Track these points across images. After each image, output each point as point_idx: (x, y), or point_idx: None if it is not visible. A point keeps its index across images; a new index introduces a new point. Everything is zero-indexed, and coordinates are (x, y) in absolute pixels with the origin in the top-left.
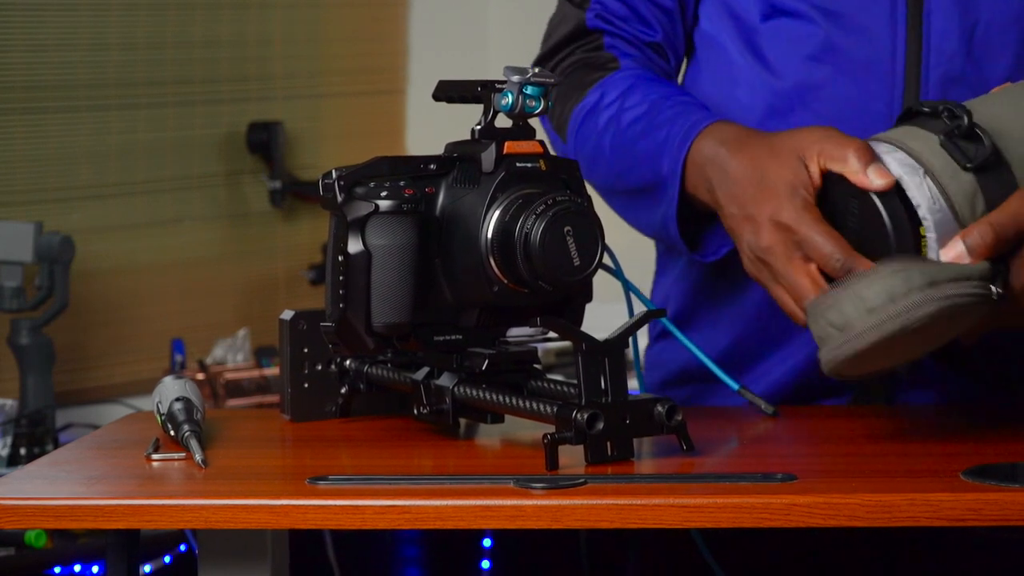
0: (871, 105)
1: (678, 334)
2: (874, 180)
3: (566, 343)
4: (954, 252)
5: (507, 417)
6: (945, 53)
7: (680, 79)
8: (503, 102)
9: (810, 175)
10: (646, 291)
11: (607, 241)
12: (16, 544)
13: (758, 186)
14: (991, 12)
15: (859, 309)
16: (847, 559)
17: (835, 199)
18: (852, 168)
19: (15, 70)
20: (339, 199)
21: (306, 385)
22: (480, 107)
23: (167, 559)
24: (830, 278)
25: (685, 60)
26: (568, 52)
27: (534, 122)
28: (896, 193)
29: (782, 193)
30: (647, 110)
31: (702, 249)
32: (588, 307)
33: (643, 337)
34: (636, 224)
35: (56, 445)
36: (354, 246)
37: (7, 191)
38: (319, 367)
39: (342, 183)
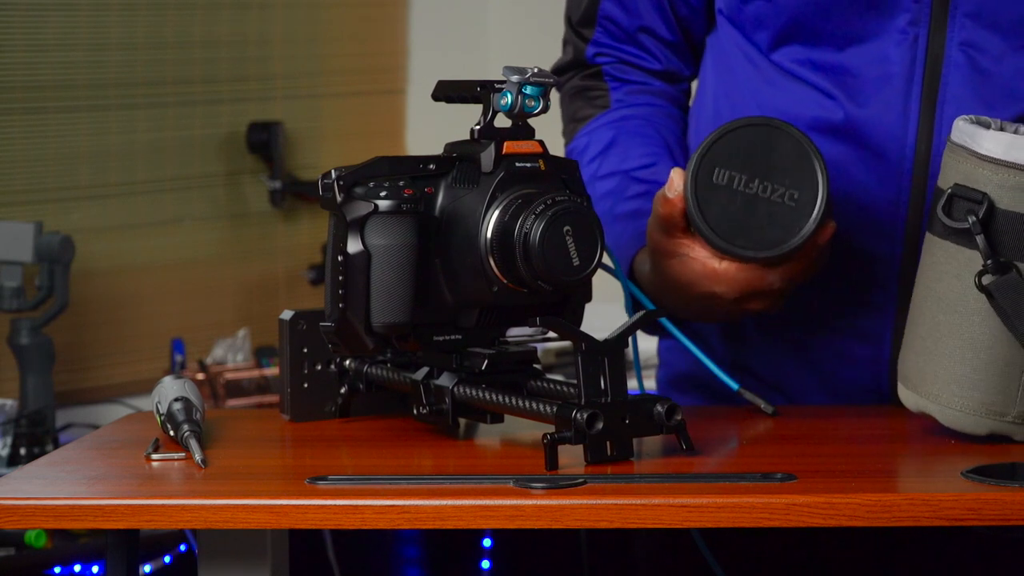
0: (879, 190)
1: (679, 335)
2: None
3: (566, 343)
4: None
5: (507, 417)
6: None
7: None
8: (502, 102)
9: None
10: None
11: (606, 241)
12: (16, 544)
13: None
14: (1006, 114)
15: None
16: (847, 559)
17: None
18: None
19: (15, 70)
20: (338, 199)
21: (306, 385)
22: (479, 107)
23: (167, 559)
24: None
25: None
26: (570, 76)
27: (534, 121)
28: None
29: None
30: (614, 187)
31: None
32: (588, 307)
33: (642, 337)
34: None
35: (56, 445)
36: (353, 246)
37: (7, 191)
38: (319, 367)
39: (341, 183)
